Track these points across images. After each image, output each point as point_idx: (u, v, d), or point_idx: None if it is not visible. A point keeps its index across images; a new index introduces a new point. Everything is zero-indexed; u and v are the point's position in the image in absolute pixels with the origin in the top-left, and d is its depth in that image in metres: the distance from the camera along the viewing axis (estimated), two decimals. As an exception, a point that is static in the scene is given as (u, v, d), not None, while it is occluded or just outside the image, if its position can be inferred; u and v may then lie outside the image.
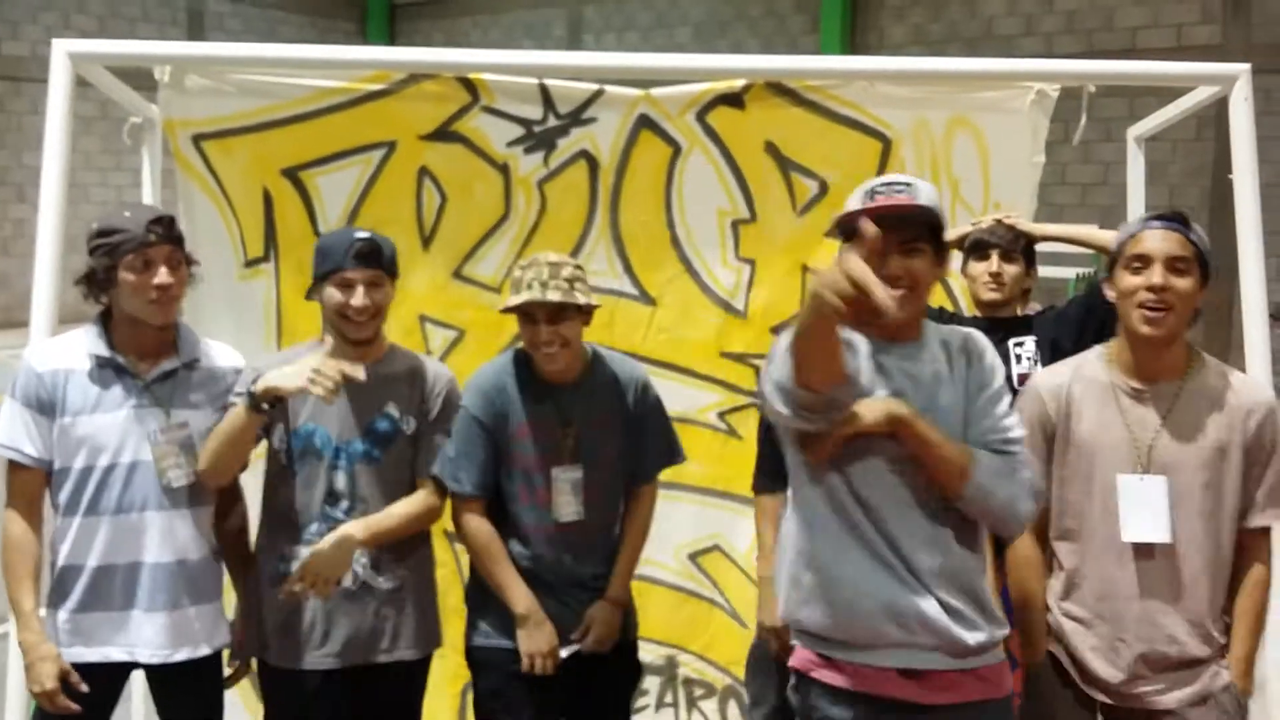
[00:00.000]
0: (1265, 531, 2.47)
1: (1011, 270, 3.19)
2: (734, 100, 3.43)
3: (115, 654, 2.62)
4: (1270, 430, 2.43)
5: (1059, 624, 2.52)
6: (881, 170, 3.45)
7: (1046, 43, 12.14)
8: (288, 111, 3.35)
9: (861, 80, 3.43)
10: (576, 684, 2.85)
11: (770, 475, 3.00)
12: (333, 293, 2.68)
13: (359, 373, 2.52)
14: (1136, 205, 3.83)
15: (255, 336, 3.36)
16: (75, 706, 2.53)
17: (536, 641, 2.75)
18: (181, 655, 2.66)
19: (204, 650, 2.71)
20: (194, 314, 3.32)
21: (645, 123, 3.46)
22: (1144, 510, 2.40)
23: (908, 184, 2.23)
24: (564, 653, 2.79)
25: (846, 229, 2.21)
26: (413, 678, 2.88)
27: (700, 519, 3.57)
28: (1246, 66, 3.09)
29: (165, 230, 2.60)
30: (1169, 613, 2.42)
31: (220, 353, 2.81)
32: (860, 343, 2.10)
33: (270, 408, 2.57)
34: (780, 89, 3.41)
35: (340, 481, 2.72)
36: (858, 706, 2.21)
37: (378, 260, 2.70)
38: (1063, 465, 2.51)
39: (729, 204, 3.52)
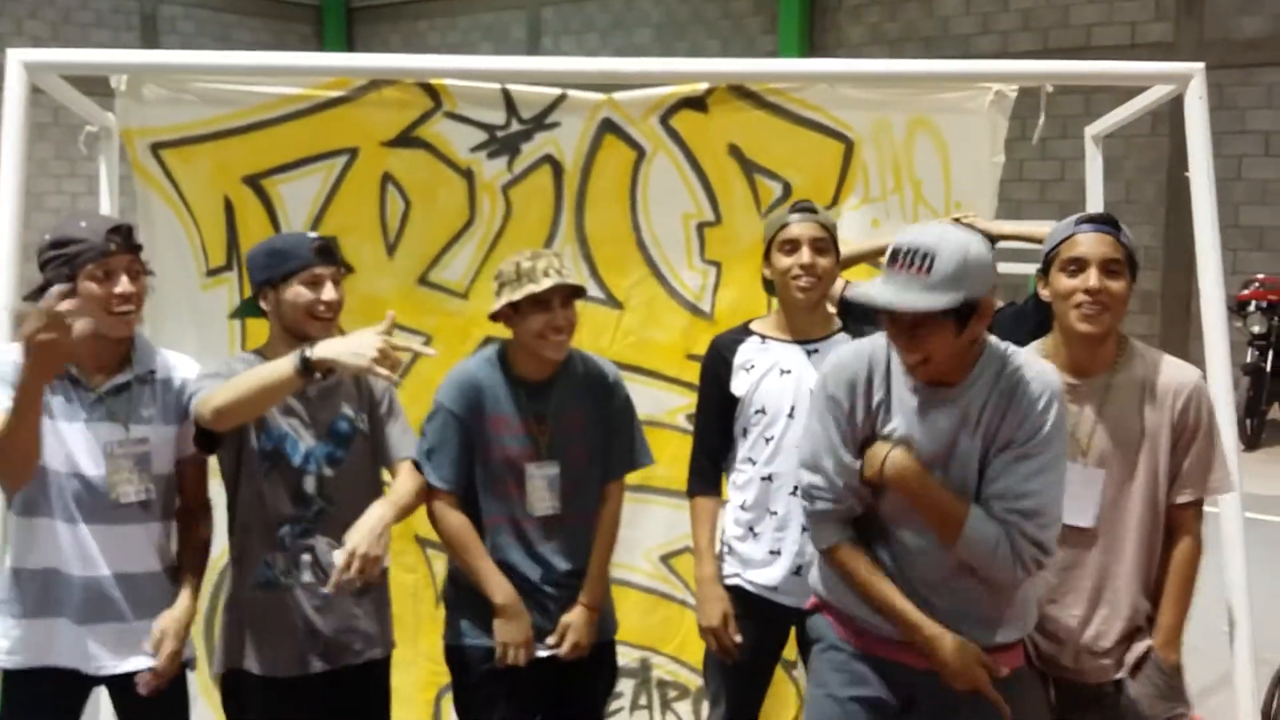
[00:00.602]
0: (1192, 506, 2.57)
1: None
2: (697, 104, 3.44)
3: (65, 660, 2.59)
4: (1195, 409, 2.53)
5: None
6: (844, 172, 3.48)
7: (1003, 41, 12.26)
8: (248, 119, 3.32)
9: (823, 83, 3.45)
10: (554, 684, 2.85)
11: (704, 477, 3.04)
12: (301, 290, 2.65)
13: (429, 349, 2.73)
14: (1095, 202, 3.87)
15: (219, 345, 3.33)
16: None
17: (512, 632, 2.74)
18: (128, 666, 2.61)
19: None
20: (155, 323, 3.31)
21: (609, 126, 3.46)
22: (1079, 498, 2.50)
23: (926, 257, 2.17)
24: (541, 652, 2.79)
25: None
26: (382, 678, 2.88)
27: (671, 521, 3.57)
28: (1201, 66, 3.14)
29: (125, 239, 2.55)
30: (1107, 593, 2.54)
31: (177, 363, 2.76)
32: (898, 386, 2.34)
33: (322, 378, 2.58)
34: (743, 92, 3.43)
35: (309, 485, 2.71)
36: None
37: (335, 257, 2.74)
38: None
39: (694, 207, 3.53)
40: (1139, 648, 2.54)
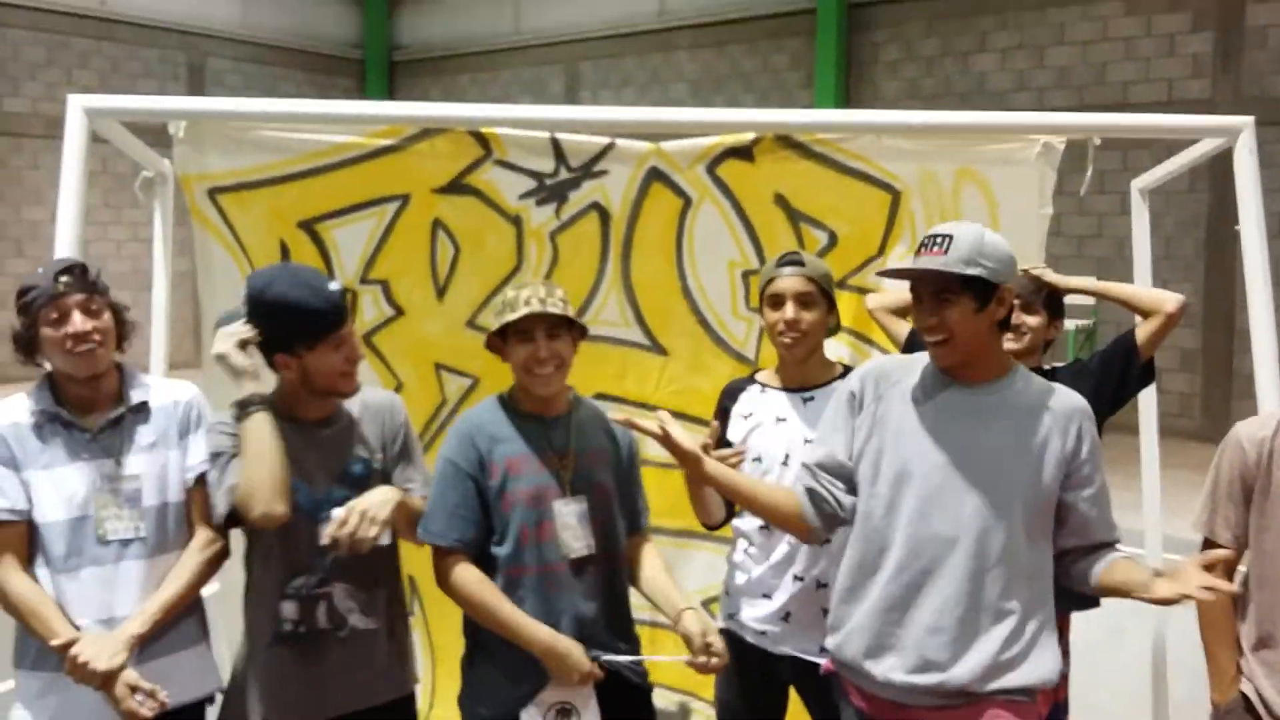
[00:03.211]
0: None
1: (1031, 321, 3.19)
2: (744, 153, 3.48)
3: (86, 714, 2.51)
4: None
5: (1251, 667, 2.60)
6: (890, 222, 3.50)
7: (1038, 98, 12.29)
8: (303, 165, 3.38)
9: (870, 134, 3.48)
10: None
11: None
12: (331, 358, 2.58)
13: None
14: (1142, 256, 3.86)
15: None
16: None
17: (572, 671, 2.57)
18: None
19: (169, 701, 2.56)
20: (212, 364, 3.34)
21: (656, 175, 3.50)
22: None
23: (945, 239, 2.32)
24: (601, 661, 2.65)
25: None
26: (406, 716, 2.81)
27: (711, 565, 3.57)
28: (1250, 120, 3.15)
29: (76, 278, 2.52)
30: None
31: (171, 388, 2.73)
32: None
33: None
34: (789, 142, 3.46)
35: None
36: None
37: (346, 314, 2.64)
38: (1261, 514, 2.58)
39: (739, 255, 3.55)
40: None
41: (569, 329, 2.67)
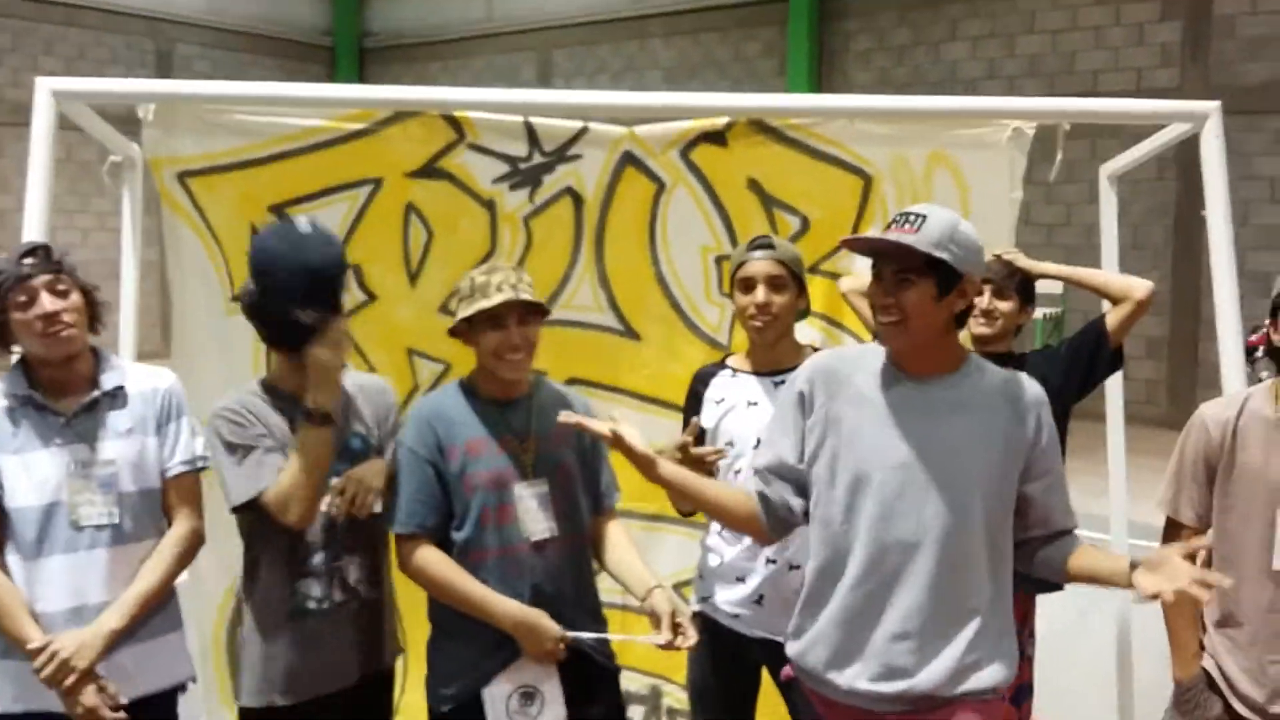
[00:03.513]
0: None
1: (1004, 306, 3.21)
2: (717, 138, 3.48)
3: (56, 704, 2.46)
4: None
5: (1214, 645, 2.64)
6: (863, 206, 3.51)
7: (1009, 86, 12.35)
8: (274, 149, 3.35)
9: (842, 118, 3.49)
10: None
11: None
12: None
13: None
14: (1109, 242, 3.89)
15: (243, 370, 3.32)
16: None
17: (543, 642, 2.58)
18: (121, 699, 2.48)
19: (142, 690, 2.57)
20: (181, 349, 3.34)
21: (629, 159, 3.50)
22: None
23: (918, 218, 2.22)
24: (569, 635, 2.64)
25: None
26: (391, 685, 2.86)
27: (682, 549, 3.57)
28: (1217, 104, 3.17)
29: (41, 259, 2.50)
30: None
31: (148, 374, 2.70)
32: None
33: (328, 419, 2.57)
34: (763, 127, 3.47)
35: (332, 508, 2.61)
36: None
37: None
38: (1224, 494, 2.61)
39: (712, 240, 3.56)
40: None
41: (537, 314, 2.69)
